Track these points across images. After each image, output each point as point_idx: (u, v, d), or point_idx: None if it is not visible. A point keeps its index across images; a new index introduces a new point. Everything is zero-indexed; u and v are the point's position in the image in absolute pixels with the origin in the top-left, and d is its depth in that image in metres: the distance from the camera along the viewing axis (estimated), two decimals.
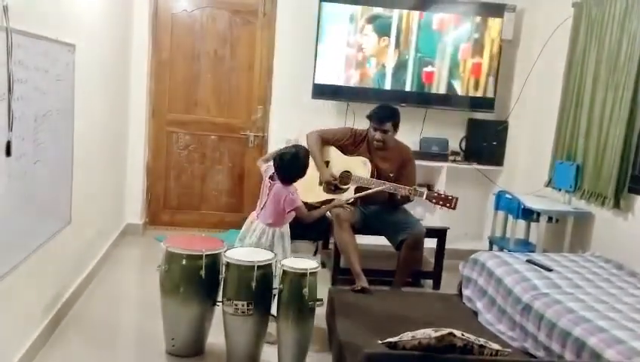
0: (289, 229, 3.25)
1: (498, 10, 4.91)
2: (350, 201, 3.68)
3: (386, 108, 3.91)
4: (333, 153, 4.03)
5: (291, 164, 3.15)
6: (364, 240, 3.95)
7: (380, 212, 3.92)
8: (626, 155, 3.72)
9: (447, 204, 3.67)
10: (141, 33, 4.90)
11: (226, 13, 5.09)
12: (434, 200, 3.71)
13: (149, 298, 3.31)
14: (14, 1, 2.22)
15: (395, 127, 3.87)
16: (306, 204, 3.30)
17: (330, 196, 3.90)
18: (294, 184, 3.20)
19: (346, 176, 3.93)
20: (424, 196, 3.71)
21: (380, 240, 4.02)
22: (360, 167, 3.90)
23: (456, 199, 3.66)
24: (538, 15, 4.94)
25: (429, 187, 4.95)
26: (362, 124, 4.12)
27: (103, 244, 4.21)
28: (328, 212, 3.59)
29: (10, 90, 2.24)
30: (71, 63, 3.04)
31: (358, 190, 3.84)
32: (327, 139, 4.02)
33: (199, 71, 5.13)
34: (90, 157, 3.64)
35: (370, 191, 3.72)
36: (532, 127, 4.98)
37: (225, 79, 5.16)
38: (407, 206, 4.08)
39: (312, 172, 3.90)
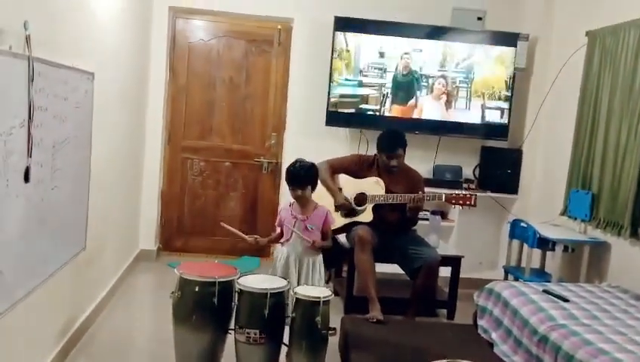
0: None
1: (511, 39, 4.94)
2: (370, 220, 3.81)
3: (394, 136, 3.98)
4: (345, 179, 4.07)
5: (301, 167, 3.19)
6: (378, 268, 3.93)
7: (395, 239, 3.91)
8: None
9: (468, 202, 3.72)
10: (158, 61, 4.99)
11: (241, 42, 5.17)
12: (453, 201, 3.77)
13: (161, 325, 3.30)
14: (36, 30, 2.28)
15: (405, 149, 3.94)
16: None
17: (347, 220, 3.93)
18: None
19: (361, 198, 3.96)
20: (443, 198, 3.76)
21: (394, 269, 4.00)
22: (373, 186, 3.95)
23: (476, 196, 3.74)
24: (551, 43, 4.95)
25: (443, 214, 4.93)
26: (375, 151, 4.14)
27: (116, 270, 4.22)
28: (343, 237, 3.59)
29: (30, 117, 2.29)
30: (90, 91, 3.10)
31: (375, 208, 3.88)
32: (336, 168, 4.07)
33: (215, 98, 5.20)
34: (106, 183, 3.68)
35: (388, 201, 3.81)
36: (546, 155, 4.96)
37: (240, 106, 5.22)
38: (421, 233, 4.07)
39: (328, 200, 3.94)
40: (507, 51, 4.95)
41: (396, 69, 4.91)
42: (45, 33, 2.47)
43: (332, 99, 4.89)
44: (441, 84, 4.96)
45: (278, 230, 3.28)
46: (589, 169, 4.25)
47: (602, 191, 4.07)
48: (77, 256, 3.12)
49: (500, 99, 4.99)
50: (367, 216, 3.93)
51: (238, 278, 2.91)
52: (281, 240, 3.26)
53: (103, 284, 3.85)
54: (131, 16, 4.16)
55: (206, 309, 2.82)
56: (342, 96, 4.90)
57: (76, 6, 2.94)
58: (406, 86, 4.95)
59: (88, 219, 3.23)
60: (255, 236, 3.25)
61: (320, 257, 3.23)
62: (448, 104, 4.98)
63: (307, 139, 5.01)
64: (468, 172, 5.19)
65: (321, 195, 3.99)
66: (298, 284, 3.03)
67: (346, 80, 4.90)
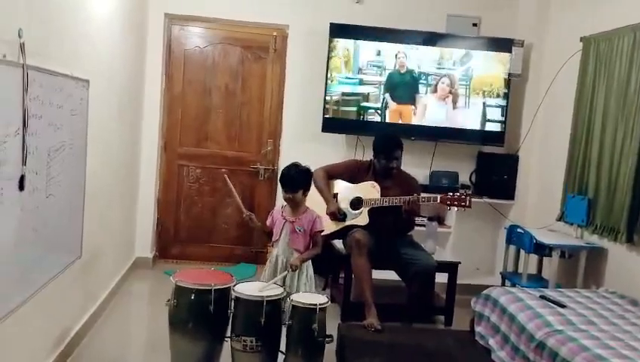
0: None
1: (506, 45, 4.96)
2: (366, 224, 3.87)
3: (390, 139, 4.03)
4: (341, 184, 4.11)
5: (295, 171, 3.21)
6: (374, 274, 3.92)
7: (391, 244, 3.91)
8: (638, 189, 3.68)
9: (463, 203, 3.73)
10: (154, 69, 4.99)
11: (237, 49, 5.18)
12: (448, 202, 3.79)
13: (157, 333, 3.28)
14: (31, 39, 2.28)
15: (402, 150, 3.99)
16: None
17: (341, 225, 3.97)
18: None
19: (357, 202, 4.00)
20: (438, 199, 3.79)
21: (391, 275, 3.99)
22: (369, 190, 3.99)
23: (470, 197, 3.76)
24: (546, 49, 4.98)
25: (439, 220, 4.94)
26: (371, 156, 4.15)
27: (112, 278, 4.20)
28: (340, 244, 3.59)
29: (25, 125, 2.28)
30: (85, 98, 3.10)
31: (371, 212, 3.91)
32: (332, 174, 4.12)
33: (210, 105, 5.20)
34: (102, 190, 3.67)
35: (384, 204, 3.84)
36: (542, 161, 4.97)
37: (236, 113, 5.22)
38: (418, 239, 4.08)
39: (322, 207, 3.96)
40: (503, 57, 4.97)
41: (394, 67, 4.92)
42: (40, 41, 2.46)
43: (334, 97, 4.89)
44: (446, 83, 4.97)
45: (259, 224, 3.29)
46: (585, 174, 4.26)
47: (598, 197, 4.08)
48: (73, 264, 3.10)
49: (499, 96, 5.00)
50: (363, 219, 3.94)
51: (234, 286, 2.90)
52: (272, 240, 3.27)
53: (98, 293, 3.83)
54: (127, 23, 4.17)
55: (202, 317, 2.81)
56: (344, 94, 4.91)
57: (71, 13, 2.93)
58: (404, 84, 4.95)
59: (84, 227, 3.22)
60: (250, 213, 3.25)
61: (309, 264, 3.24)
62: (454, 104, 4.99)
63: (303, 145, 5.01)
64: (464, 178, 5.19)
65: (318, 202, 4.02)
66: (284, 285, 3.02)
67: (347, 78, 4.91)
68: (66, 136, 2.82)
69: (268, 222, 3.31)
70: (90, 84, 3.14)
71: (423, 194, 3.94)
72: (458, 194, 3.79)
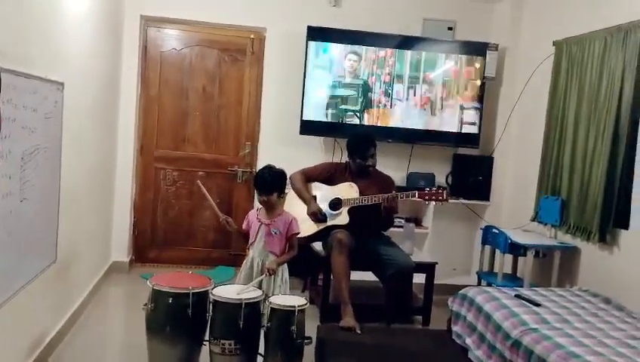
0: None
1: (480, 49, 5.04)
2: (346, 223, 3.91)
3: (364, 138, 4.12)
4: (319, 187, 4.14)
5: (269, 174, 3.21)
6: (353, 276, 3.93)
7: (369, 244, 3.94)
8: (609, 190, 3.77)
9: (440, 198, 3.80)
10: (130, 71, 4.94)
11: (214, 51, 5.16)
12: (426, 197, 3.88)
13: (135, 338, 3.24)
14: (4, 41, 2.25)
15: (375, 147, 4.06)
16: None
17: (322, 226, 4.01)
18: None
19: (336, 202, 4.03)
20: (416, 195, 3.86)
21: (369, 276, 4.02)
22: (347, 190, 4.03)
23: (447, 190, 3.89)
24: (520, 53, 5.06)
25: (417, 221, 4.99)
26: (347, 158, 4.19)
27: (88, 282, 4.15)
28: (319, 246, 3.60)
29: None
30: (60, 101, 3.06)
31: (351, 211, 3.94)
32: (309, 176, 4.16)
33: (187, 108, 5.17)
34: (78, 194, 3.62)
35: (363, 203, 3.89)
36: (517, 163, 5.05)
37: (213, 116, 5.20)
38: (395, 240, 4.11)
39: (302, 209, 3.97)
40: (477, 61, 5.04)
41: (371, 70, 4.96)
42: (13, 43, 2.43)
43: (312, 100, 4.91)
44: (422, 87, 5.02)
45: (235, 226, 3.28)
46: (558, 175, 4.34)
47: (571, 197, 4.16)
48: (48, 268, 3.06)
49: (474, 99, 5.07)
50: (343, 219, 3.97)
51: (212, 289, 2.89)
52: (248, 243, 3.26)
53: (74, 297, 3.77)
54: (102, 25, 4.12)
55: (180, 321, 2.79)
56: (332, 97, 4.94)
57: (45, 16, 2.89)
58: (375, 91, 5.00)
59: (59, 231, 3.18)
60: (227, 217, 3.24)
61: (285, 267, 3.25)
62: (430, 107, 5.05)
63: (281, 148, 5.01)
64: (441, 179, 5.25)
65: (297, 203, 4.03)
66: (260, 288, 3.02)
67: (324, 81, 4.93)
68: (41, 139, 2.78)
69: (244, 226, 3.30)
70: (65, 87, 3.11)
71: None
72: (435, 189, 3.92)
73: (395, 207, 4.00)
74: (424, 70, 5.03)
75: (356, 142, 4.08)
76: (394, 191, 3.88)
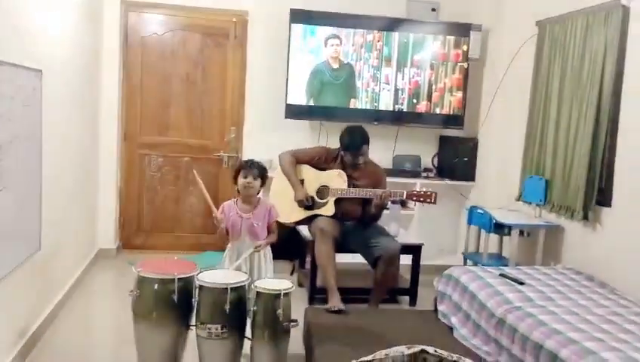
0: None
1: (464, 30, 5.03)
2: (331, 214, 3.85)
3: (357, 134, 3.93)
4: (308, 170, 4.08)
5: (256, 161, 3.24)
6: (340, 258, 3.95)
7: (356, 229, 3.95)
8: (592, 169, 3.80)
9: (428, 200, 3.78)
10: (111, 57, 4.89)
11: (197, 35, 5.10)
12: (414, 198, 3.84)
13: (121, 324, 3.25)
14: None
15: (368, 144, 3.95)
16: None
17: (309, 213, 3.97)
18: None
19: (324, 191, 3.98)
20: (404, 195, 3.81)
21: (357, 258, 4.03)
22: (335, 179, 3.96)
23: (436, 194, 3.80)
24: (503, 34, 5.06)
25: (402, 203, 5.00)
26: (336, 143, 4.13)
27: (74, 270, 4.14)
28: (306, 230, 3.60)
29: None
30: (38, 89, 3.02)
31: (337, 201, 3.91)
32: (300, 159, 4.09)
33: (171, 93, 5.12)
34: (60, 182, 3.59)
35: (350, 195, 3.83)
36: (501, 143, 5.07)
37: (197, 101, 5.16)
38: (381, 222, 4.11)
39: (289, 193, 3.95)
40: (461, 42, 5.04)
41: (356, 52, 4.96)
42: None
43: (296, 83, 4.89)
44: (407, 67, 5.01)
45: (223, 225, 3.20)
46: (542, 155, 4.37)
47: (555, 177, 4.19)
48: (32, 257, 3.04)
49: (458, 80, 5.08)
50: (328, 209, 3.94)
51: (197, 274, 2.89)
52: (230, 239, 3.22)
53: (60, 285, 3.76)
54: (81, 10, 4.06)
55: (166, 306, 2.79)
56: (317, 81, 4.92)
57: (20, 1, 2.84)
58: (363, 75, 4.98)
59: (42, 219, 3.16)
60: (220, 217, 3.18)
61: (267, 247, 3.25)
62: (416, 88, 5.05)
63: (266, 132, 5.00)
64: (427, 161, 5.27)
65: (283, 188, 4.01)
66: (250, 276, 3.02)
67: (308, 63, 4.91)
68: (19, 127, 2.75)
69: (219, 211, 3.25)
70: (43, 74, 3.06)
71: (388, 179, 3.98)
72: (424, 190, 3.86)
73: (386, 204, 3.96)
74: (408, 52, 5.02)
75: (349, 139, 3.93)
76: (388, 190, 3.82)
